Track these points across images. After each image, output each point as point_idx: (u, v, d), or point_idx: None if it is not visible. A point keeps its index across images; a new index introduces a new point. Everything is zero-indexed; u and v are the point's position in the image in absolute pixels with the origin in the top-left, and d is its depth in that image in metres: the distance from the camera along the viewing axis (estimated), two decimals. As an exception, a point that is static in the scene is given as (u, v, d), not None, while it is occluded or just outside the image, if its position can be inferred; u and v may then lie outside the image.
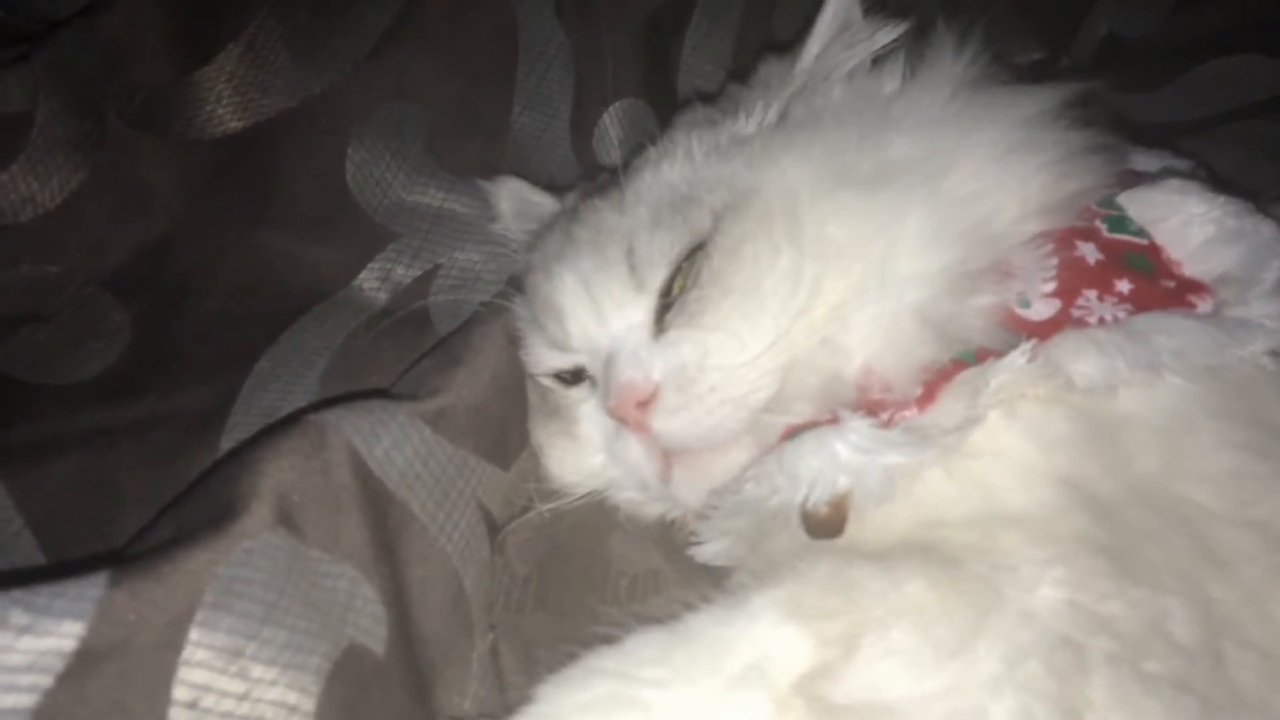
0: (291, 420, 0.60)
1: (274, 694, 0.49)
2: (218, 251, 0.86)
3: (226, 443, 0.74)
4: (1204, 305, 0.60)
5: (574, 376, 0.73)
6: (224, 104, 0.86)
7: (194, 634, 0.46)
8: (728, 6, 1.05)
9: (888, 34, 0.72)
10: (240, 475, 0.54)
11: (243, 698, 0.48)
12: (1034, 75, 1.03)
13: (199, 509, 0.54)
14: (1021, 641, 0.48)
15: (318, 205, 0.87)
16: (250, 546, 0.51)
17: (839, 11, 0.73)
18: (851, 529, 0.57)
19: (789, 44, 0.77)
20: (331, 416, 0.59)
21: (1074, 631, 0.49)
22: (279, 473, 0.55)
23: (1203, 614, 0.50)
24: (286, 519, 0.54)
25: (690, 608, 0.53)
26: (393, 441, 0.61)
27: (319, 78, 0.88)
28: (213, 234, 0.86)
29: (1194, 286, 0.61)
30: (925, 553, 0.53)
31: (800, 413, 0.62)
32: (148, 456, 0.73)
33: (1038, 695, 0.47)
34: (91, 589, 0.45)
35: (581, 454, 0.72)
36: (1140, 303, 0.60)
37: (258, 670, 0.49)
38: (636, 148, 0.79)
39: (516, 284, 0.79)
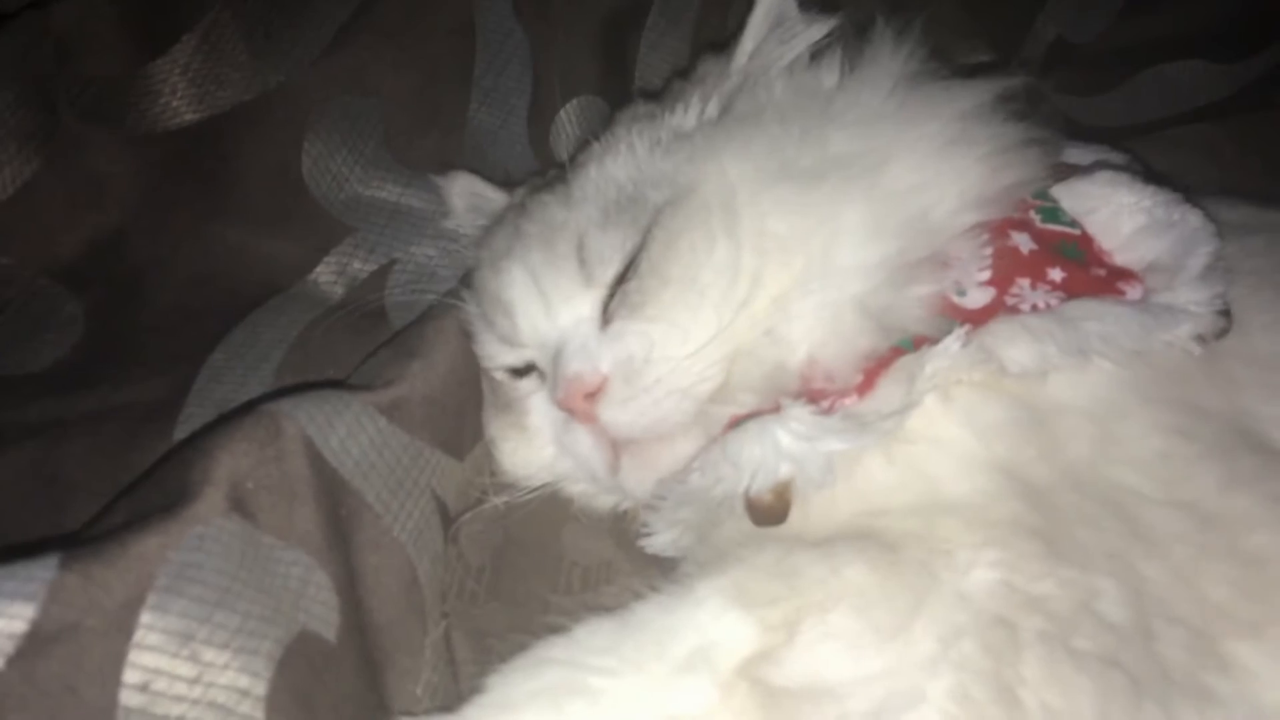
0: (246, 409, 0.60)
1: (225, 678, 0.50)
2: (171, 244, 0.86)
3: (180, 434, 0.74)
4: (1133, 292, 0.62)
5: (525, 370, 0.74)
6: (179, 96, 0.86)
7: (145, 617, 0.47)
8: (684, 5, 1.06)
9: (820, 29, 0.73)
10: (194, 462, 0.55)
11: (194, 681, 0.48)
12: (982, 76, 1.06)
13: (152, 495, 0.54)
14: (956, 622, 0.50)
15: (273, 199, 0.87)
16: (202, 532, 0.51)
17: (772, 7, 0.74)
18: (795, 516, 0.58)
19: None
20: (286, 405, 0.60)
21: (1007, 611, 0.50)
22: (233, 460, 0.55)
23: (1133, 593, 0.51)
24: (240, 505, 0.55)
25: (640, 597, 0.55)
26: (348, 430, 0.62)
27: (275, 71, 0.88)
28: (166, 227, 0.86)
29: (1124, 274, 0.63)
30: (865, 539, 0.54)
31: (745, 403, 0.63)
32: (100, 447, 0.73)
33: (973, 673, 0.48)
34: (42, 571, 0.45)
35: (533, 447, 0.73)
36: (1072, 290, 0.61)
37: (209, 654, 0.49)
38: (582, 143, 0.80)
39: (469, 281, 0.79)
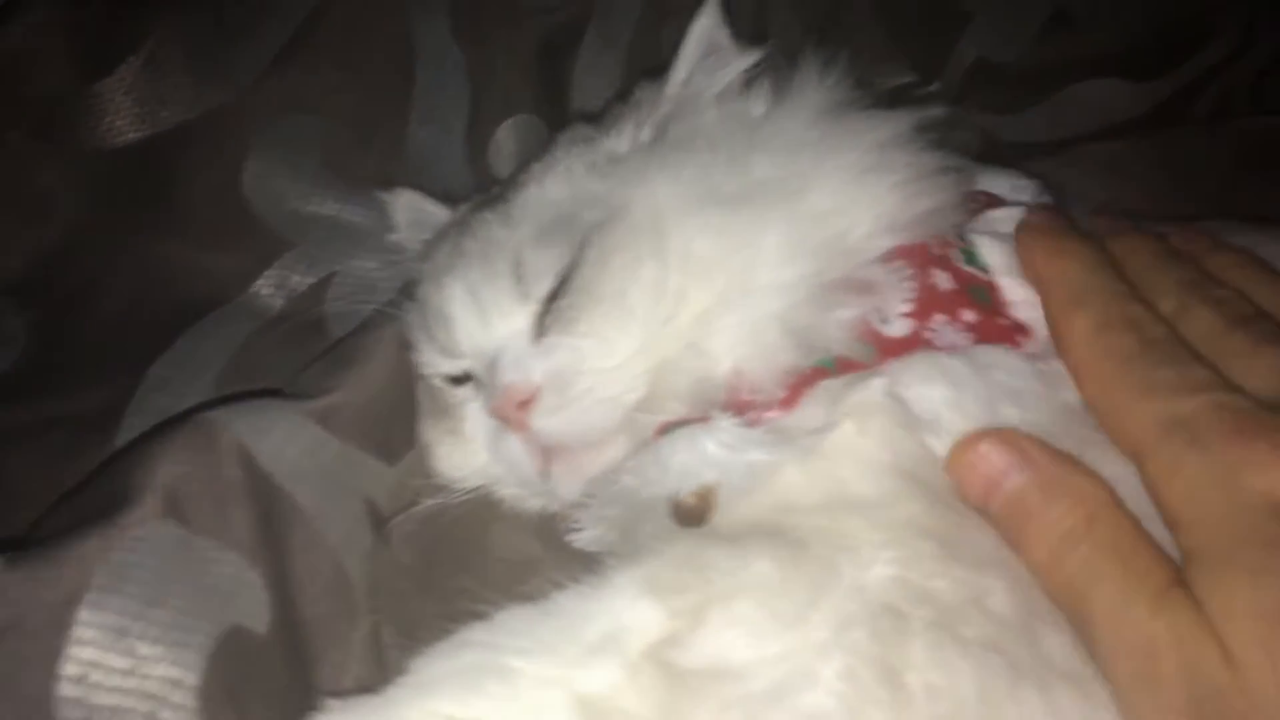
0: (184, 417, 0.63)
1: (159, 670, 0.53)
2: (115, 260, 0.87)
3: (122, 443, 0.76)
4: (1029, 347, 0.65)
5: (462, 378, 0.77)
6: (123, 116, 0.87)
7: (83, 614, 0.50)
8: (619, 27, 1.09)
9: (748, 59, 0.77)
10: (132, 469, 0.58)
11: (129, 673, 0.51)
12: (904, 99, 1.10)
13: (92, 501, 0.57)
14: (850, 611, 0.53)
15: (215, 215, 0.89)
16: (139, 534, 0.54)
17: (702, 37, 0.78)
18: (716, 517, 0.60)
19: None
20: (222, 414, 0.63)
21: (899, 602, 0.53)
22: (169, 466, 0.58)
23: (1020, 595, 0.54)
24: (176, 510, 0.57)
25: (561, 589, 0.57)
26: (282, 437, 0.64)
27: (218, 91, 0.90)
28: (110, 243, 0.87)
29: (1022, 330, 0.66)
30: (775, 536, 0.57)
31: (673, 411, 0.66)
32: (43, 458, 0.75)
33: (862, 657, 0.51)
34: None
35: (467, 451, 0.76)
36: (981, 333, 0.65)
37: (144, 648, 0.52)
38: (522, 163, 0.83)
39: (409, 292, 0.82)
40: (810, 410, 0.62)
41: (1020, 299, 0.68)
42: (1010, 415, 0.60)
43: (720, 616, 0.53)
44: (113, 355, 0.83)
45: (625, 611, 0.54)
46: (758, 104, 0.76)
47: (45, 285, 0.85)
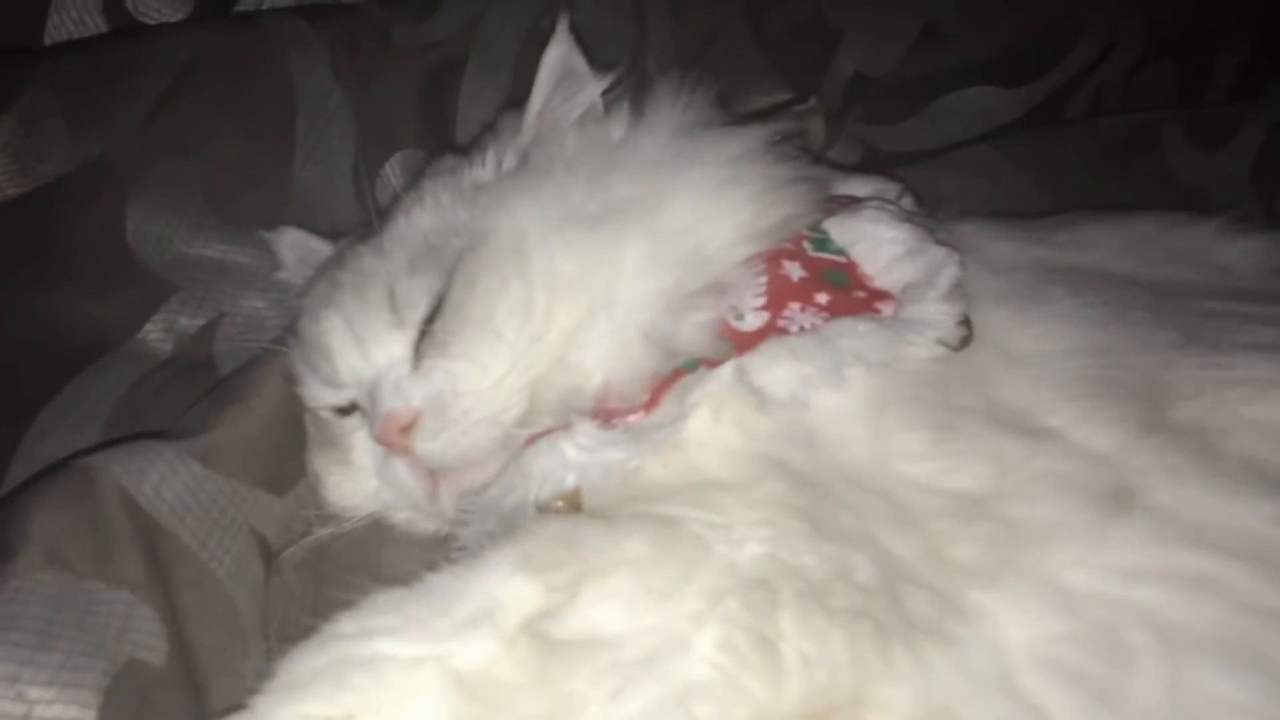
0: (61, 465, 0.64)
1: (53, 711, 0.54)
2: (-2, 314, 0.87)
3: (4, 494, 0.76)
4: (888, 310, 0.69)
5: (349, 409, 0.78)
6: (1, 174, 0.88)
7: (-33, 669, 0.51)
8: (500, 58, 1.12)
9: (601, 84, 0.80)
10: (9, 521, 0.59)
11: (23, 718, 0.53)
12: (770, 116, 1.14)
13: None
14: (724, 585, 0.55)
15: (98, 264, 0.89)
16: (19, 585, 0.56)
17: (556, 64, 0.81)
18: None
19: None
20: (99, 458, 0.64)
21: (770, 577, 0.55)
22: (46, 514, 0.59)
23: (884, 566, 0.57)
24: (56, 558, 0.59)
25: (435, 570, 0.58)
26: (161, 477, 0.66)
27: (96, 141, 0.90)
28: (-8, 297, 0.87)
29: (881, 295, 0.70)
30: (647, 518, 0.59)
31: (545, 424, 0.69)
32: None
33: (736, 626, 0.53)
34: None
35: (357, 479, 0.78)
36: (835, 311, 0.68)
37: (34, 692, 0.54)
38: (395, 197, 0.85)
39: (294, 328, 0.83)
40: (666, 409, 0.66)
41: (880, 268, 0.72)
42: (854, 375, 0.64)
43: (595, 590, 0.55)
44: (-3, 409, 0.83)
45: (499, 587, 0.54)
46: (617, 127, 0.80)
47: (-72, 341, 0.85)
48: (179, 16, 1.05)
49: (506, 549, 0.57)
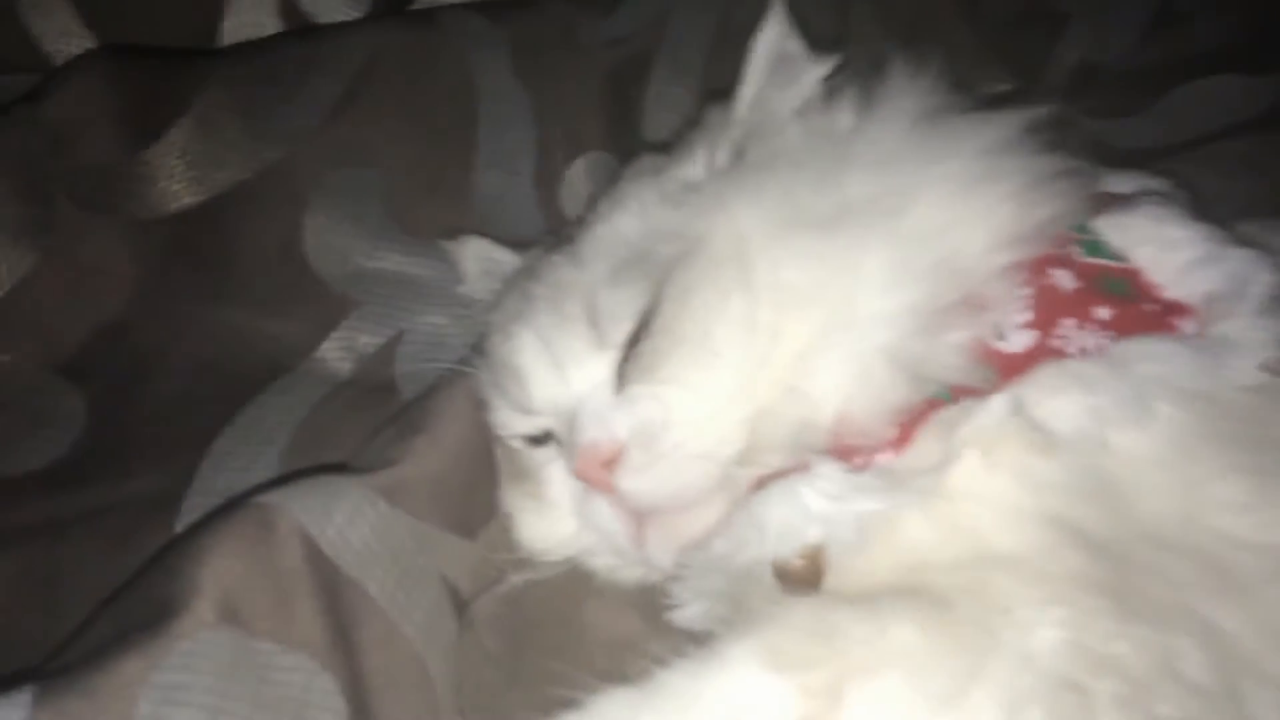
0: (238, 503, 0.58)
1: None
2: (173, 331, 0.85)
3: (182, 527, 0.72)
4: (1188, 327, 0.58)
5: (542, 438, 0.71)
6: (177, 179, 0.86)
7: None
8: (689, 55, 1.06)
9: (822, 68, 0.71)
10: (180, 568, 0.53)
11: None
12: (1005, 106, 1.04)
13: (136, 607, 0.52)
14: (1021, 687, 0.46)
15: (276, 277, 0.86)
16: (189, 648, 0.49)
17: (770, 49, 0.73)
18: (830, 581, 0.55)
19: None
20: (279, 497, 0.58)
21: (1078, 674, 0.47)
22: (222, 562, 0.53)
23: (1217, 651, 0.48)
24: (231, 613, 0.52)
25: (662, 664, 0.51)
26: (346, 519, 0.59)
27: (273, 148, 0.88)
28: (168, 313, 0.85)
29: (1177, 309, 0.59)
30: (912, 596, 0.51)
31: (771, 464, 0.59)
32: (98, 546, 0.71)
33: None
34: (14, 712, 0.43)
35: (552, 519, 0.70)
36: (1122, 329, 0.58)
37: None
38: (590, 201, 0.78)
39: (481, 347, 0.77)
40: (925, 447, 0.56)
41: (1170, 275, 0.61)
42: (1165, 412, 0.54)
43: (861, 694, 0.47)
44: (173, 431, 0.79)
45: (745, 691, 0.48)
46: (844, 116, 0.70)
47: (103, 362, 0.83)
48: (355, 15, 1.04)
49: (748, 640, 0.49)
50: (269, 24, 1.01)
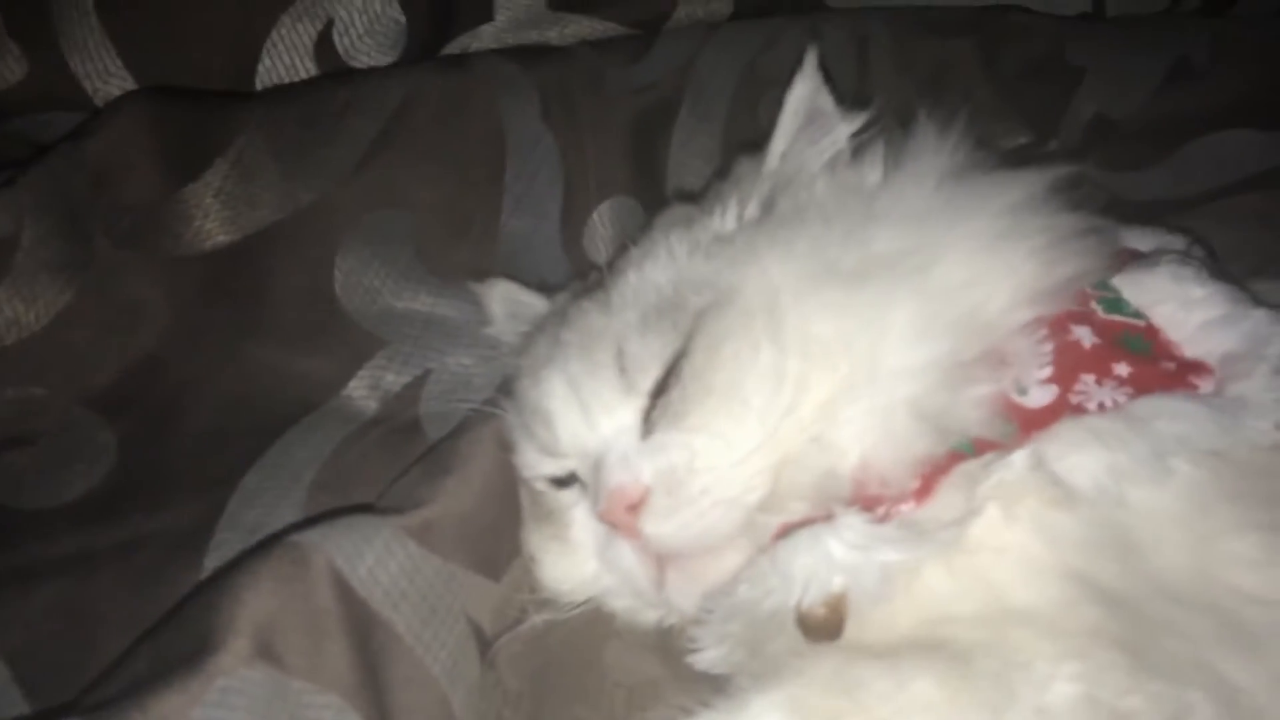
0: (273, 541, 0.59)
1: None
2: (206, 367, 0.85)
3: (211, 562, 0.72)
4: (1206, 386, 0.59)
5: (567, 480, 0.72)
6: (212, 219, 0.87)
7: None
8: (714, 102, 1.06)
9: (852, 125, 0.72)
10: (218, 605, 0.54)
11: None
12: (1021, 159, 1.04)
13: (174, 641, 0.53)
14: None
15: (306, 316, 0.87)
16: (226, 685, 0.50)
17: (802, 103, 0.73)
18: (851, 629, 0.55)
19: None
20: (313, 536, 0.58)
21: None
22: (258, 600, 0.54)
23: (1228, 706, 0.48)
24: (266, 650, 0.53)
25: (688, 715, 0.52)
26: (376, 559, 0.60)
27: (307, 189, 0.89)
28: (201, 350, 0.86)
29: (1195, 367, 0.60)
30: (932, 650, 0.51)
31: (795, 511, 0.60)
32: (129, 579, 0.71)
33: None
34: None
35: (575, 560, 0.71)
36: (1140, 386, 0.58)
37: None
38: (620, 247, 0.79)
39: (507, 388, 0.77)
40: (947, 499, 0.57)
41: (1188, 334, 0.62)
42: (1181, 469, 0.54)
43: None
44: (203, 467, 0.80)
45: None
46: (872, 171, 0.71)
47: (136, 398, 0.84)
48: (388, 59, 1.05)
49: (772, 693, 0.50)
50: (304, 67, 1.02)
